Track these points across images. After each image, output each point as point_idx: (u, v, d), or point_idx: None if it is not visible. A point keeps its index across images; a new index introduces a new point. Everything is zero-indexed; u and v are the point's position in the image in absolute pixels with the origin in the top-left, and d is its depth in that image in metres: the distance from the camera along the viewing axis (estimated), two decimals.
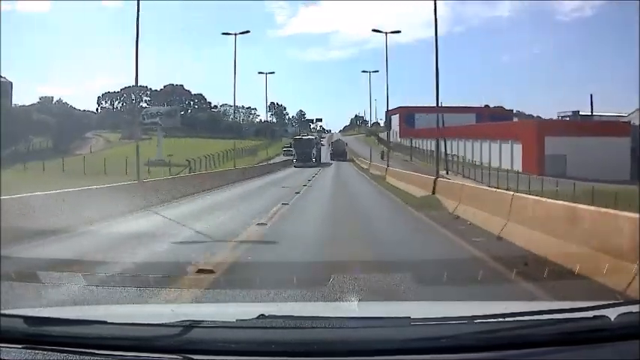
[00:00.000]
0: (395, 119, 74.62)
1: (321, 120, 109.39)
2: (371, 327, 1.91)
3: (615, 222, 6.01)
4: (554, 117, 55.34)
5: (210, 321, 1.95)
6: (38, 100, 78.05)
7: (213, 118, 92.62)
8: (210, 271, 6.08)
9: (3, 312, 2.00)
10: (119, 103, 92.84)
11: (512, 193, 10.56)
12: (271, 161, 55.47)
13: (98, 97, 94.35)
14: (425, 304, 3.38)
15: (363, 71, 50.10)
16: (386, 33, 33.98)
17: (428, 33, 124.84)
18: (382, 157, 50.11)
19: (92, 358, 1.75)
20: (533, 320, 1.88)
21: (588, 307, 1.91)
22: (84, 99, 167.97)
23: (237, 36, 37.68)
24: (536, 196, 10.45)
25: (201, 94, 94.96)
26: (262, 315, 1.92)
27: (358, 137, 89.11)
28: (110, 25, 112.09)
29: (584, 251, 6.21)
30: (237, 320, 1.89)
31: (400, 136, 72.78)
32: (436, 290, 5.13)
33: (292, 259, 7.37)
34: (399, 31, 36.12)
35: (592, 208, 7.12)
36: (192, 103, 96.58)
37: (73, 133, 66.38)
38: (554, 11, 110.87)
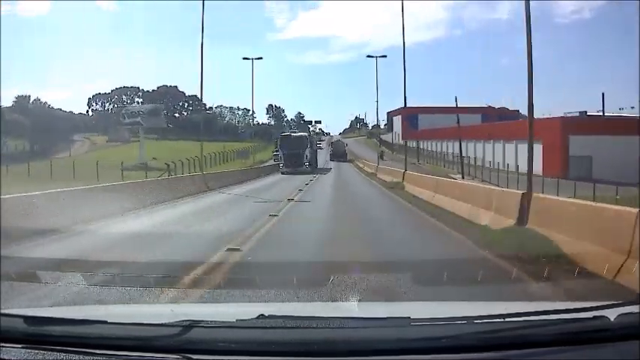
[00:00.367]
0: (396, 120, 71.73)
1: (320, 122, 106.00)
2: (371, 327, 1.91)
3: None
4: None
5: (210, 321, 1.95)
6: (14, 99, 71.78)
7: (209, 119, 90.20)
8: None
9: (3, 312, 2.00)
10: (110, 104, 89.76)
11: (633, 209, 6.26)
12: (262, 165, 47.31)
13: (89, 99, 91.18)
14: (425, 304, 3.41)
15: (369, 56, 44.06)
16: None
17: (427, 36, 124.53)
18: (381, 158, 49.50)
19: (92, 357, 1.75)
20: (534, 320, 1.88)
21: (588, 308, 1.92)
22: (83, 103, 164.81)
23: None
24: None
25: (195, 96, 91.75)
26: (262, 315, 1.92)
27: (358, 139, 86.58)
28: (107, 27, 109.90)
29: None
30: (237, 320, 1.89)
31: (403, 138, 69.56)
32: (436, 290, 5.13)
33: (292, 259, 7.25)
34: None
35: None
36: (186, 104, 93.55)
37: (54, 136, 62.07)
38: (554, 14, 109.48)
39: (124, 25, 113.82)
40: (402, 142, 68.81)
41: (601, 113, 47.20)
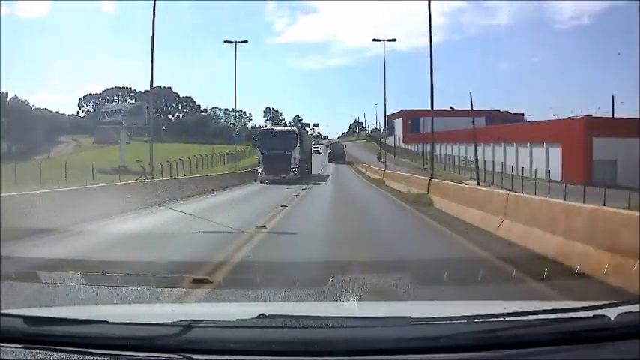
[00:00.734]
0: (397, 124, 69.57)
1: (317, 125, 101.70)
2: (371, 326, 1.91)
3: None
4: None
5: (210, 320, 1.95)
6: None
7: (202, 121, 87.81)
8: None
9: (3, 312, 1.99)
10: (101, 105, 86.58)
11: None
12: (247, 170, 38.58)
13: (79, 100, 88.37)
14: (425, 304, 3.44)
15: (374, 40, 39.38)
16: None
17: (424, 41, 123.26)
18: (379, 160, 47.09)
19: (92, 357, 1.75)
20: (533, 320, 1.87)
21: (588, 307, 1.91)
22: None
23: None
24: None
25: (190, 97, 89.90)
26: (262, 314, 1.92)
27: (357, 143, 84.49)
28: (104, 28, 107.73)
29: None
30: (237, 320, 1.88)
31: (404, 142, 67.11)
32: (436, 290, 5.10)
33: (292, 259, 7.24)
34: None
35: None
36: (180, 106, 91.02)
37: (37, 136, 58.43)
38: (553, 20, 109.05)
39: (122, 26, 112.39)
40: (403, 145, 66.17)
41: (621, 116, 44.49)
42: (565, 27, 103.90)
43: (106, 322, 1.91)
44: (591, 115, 37.05)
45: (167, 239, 9.90)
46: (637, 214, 5.95)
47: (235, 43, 39.82)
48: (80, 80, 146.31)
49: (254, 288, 5.24)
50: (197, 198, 19.30)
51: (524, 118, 66.00)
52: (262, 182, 30.34)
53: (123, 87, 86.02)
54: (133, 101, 70.21)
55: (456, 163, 45.38)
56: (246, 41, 41.16)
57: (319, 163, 51.52)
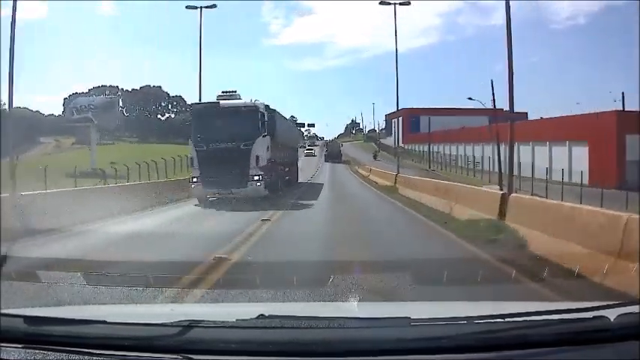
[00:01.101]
0: (397, 124, 68.79)
1: (313, 125, 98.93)
2: (371, 327, 1.91)
3: None
4: None
5: (210, 321, 1.94)
6: None
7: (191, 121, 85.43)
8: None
9: (3, 312, 1.99)
10: None
11: None
12: None
13: (64, 99, 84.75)
14: (425, 305, 3.38)
15: (381, 3, 30.89)
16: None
17: (420, 42, 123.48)
18: (375, 158, 46.35)
19: (92, 357, 1.75)
20: (534, 320, 1.87)
21: (588, 308, 1.92)
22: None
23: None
24: None
25: (180, 96, 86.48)
26: (262, 315, 1.91)
27: (354, 144, 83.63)
28: (96, 29, 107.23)
29: None
30: (237, 320, 1.88)
31: (403, 142, 66.17)
32: (436, 290, 5.06)
33: (292, 259, 7.25)
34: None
35: None
36: (170, 105, 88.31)
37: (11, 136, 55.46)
38: (549, 20, 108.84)
39: (121, 27, 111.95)
40: (403, 145, 65.54)
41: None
42: (562, 27, 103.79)
43: (105, 322, 1.91)
44: (622, 110, 32.84)
45: None
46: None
47: (201, 8, 29.88)
48: (69, 80, 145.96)
49: (253, 288, 5.22)
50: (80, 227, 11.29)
51: (527, 117, 65.52)
52: (200, 201, 17.77)
53: (110, 86, 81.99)
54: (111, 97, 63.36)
55: (461, 165, 43.29)
56: (215, 5, 30.40)
57: (313, 166, 47.13)
